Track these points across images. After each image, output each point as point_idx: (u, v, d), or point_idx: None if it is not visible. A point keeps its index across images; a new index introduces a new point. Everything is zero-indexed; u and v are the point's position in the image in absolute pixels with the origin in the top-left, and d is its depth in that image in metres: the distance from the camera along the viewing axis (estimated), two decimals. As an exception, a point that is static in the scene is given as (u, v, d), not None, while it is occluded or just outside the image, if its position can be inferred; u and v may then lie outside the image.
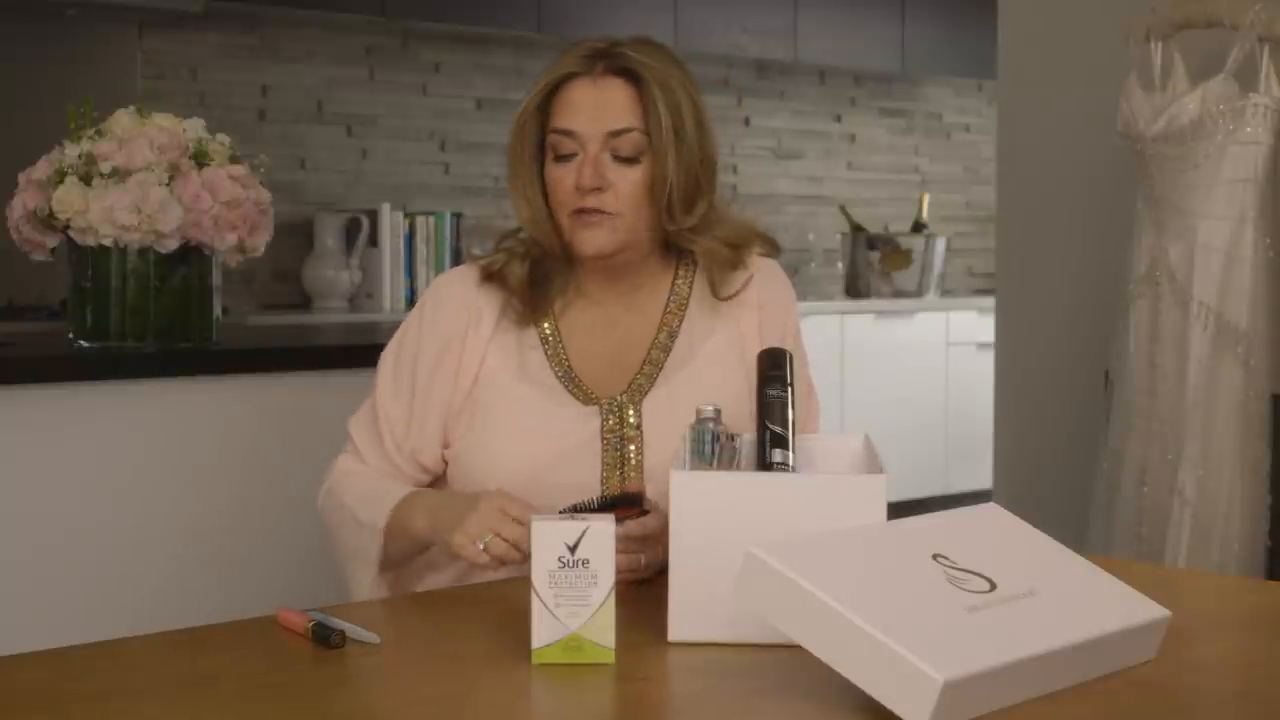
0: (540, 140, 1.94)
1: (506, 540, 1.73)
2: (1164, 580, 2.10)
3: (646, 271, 2.01)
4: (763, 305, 2.04)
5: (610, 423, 1.93)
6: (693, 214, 1.94)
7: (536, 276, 1.97)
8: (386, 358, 2.02)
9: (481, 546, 1.74)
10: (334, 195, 5.59)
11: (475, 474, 1.93)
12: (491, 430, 1.94)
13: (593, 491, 1.91)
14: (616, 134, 1.90)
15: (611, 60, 1.92)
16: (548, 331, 1.97)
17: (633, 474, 1.93)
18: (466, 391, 1.96)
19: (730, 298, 2.01)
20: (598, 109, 1.90)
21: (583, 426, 1.93)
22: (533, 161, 1.94)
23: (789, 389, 1.75)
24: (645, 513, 1.78)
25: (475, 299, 1.98)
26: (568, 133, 1.91)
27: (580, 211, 1.91)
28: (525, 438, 1.92)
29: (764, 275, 2.05)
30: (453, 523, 1.78)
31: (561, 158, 1.92)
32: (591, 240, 1.91)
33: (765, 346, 2.01)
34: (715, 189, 1.98)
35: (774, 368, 1.76)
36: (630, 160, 1.91)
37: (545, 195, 1.94)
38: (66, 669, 1.48)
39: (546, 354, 1.96)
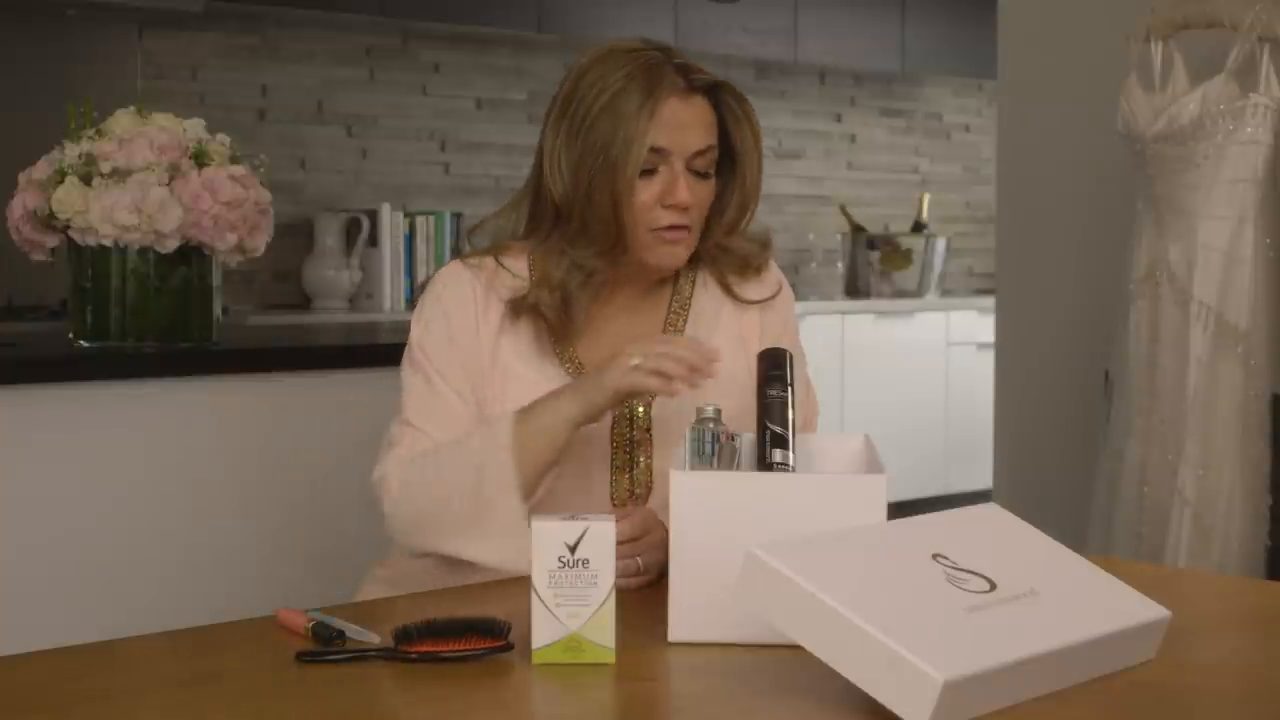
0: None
1: (667, 358, 1.75)
2: (1164, 580, 2.10)
3: (650, 279, 2.01)
4: (764, 309, 2.05)
5: (620, 426, 1.94)
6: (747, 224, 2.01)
7: (565, 300, 1.93)
8: (419, 344, 1.95)
9: (635, 363, 1.76)
10: (334, 195, 5.59)
11: None
12: None
13: (601, 493, 1.91)
14: (699, 153, 1.91)
15: (691, 76, 1.91)
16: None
17: (641, 476, 1.93)
18: (488, 385, 1.94)
19: (759, 301, 2.04)
20: (687, 127, 1.90)
21: (593, 430, 1.92)
22: (634, 183, 1.89)
23: (789, 389, 1.75)
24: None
25: (479, 294, 1.96)
26: (660, 149, 1.89)
27: (669, 228, 1.91)
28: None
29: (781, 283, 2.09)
30: (602, 366, 1.82)
31: (645, 173, 1.90)
32: (674, 256, 1.94)
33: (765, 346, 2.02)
34: None
35: (774, 368, 1.76)
36: (704, 176, 1.93)
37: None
38: (66, 669, 1.48)
39: (557, 354, 1.95)
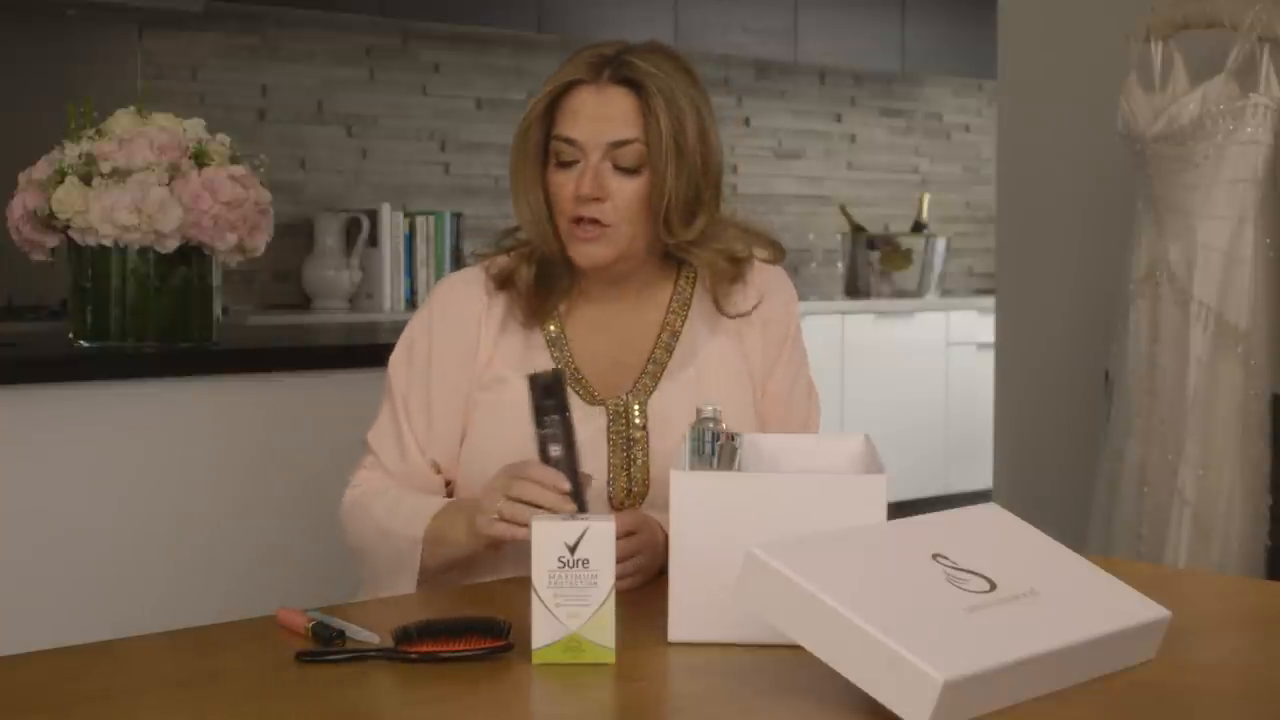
0: (544, 144, 1.93)
1: (518, 504, 1.69)
2: (1164, 580, 2.10)
3: (647, 276, 2.01)
4: (766, 320, 2.04)
5: (616, 423, 1.94)
6: (691, 228, 1.93)
7: (542, 277, 1.96)
8: (398, 365, 2.00)
9: (495, 516, 1.71)
10: (334, 195, 5.59)
11: (482, 475, 1.93)
12: (498, 431, 1.93)
13: (599, 492, 1.91)
14: (617, 145, 1.89)
15: (617, 69, 1.90)
16: (553, 332, 1.97)
17: (638, 474, 1.93)
18: (479, 390, 1.96)
19: (736, 316, 2.01)
20: (600, 119, 1.90)
21: (588, 426, 1.92)
22: (536, 165, 1.93)
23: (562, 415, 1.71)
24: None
25: (481, 300, 1.98)
26: (570, 140, 1.90)
27: (578, 221, 1.90)
28: (531, 438, 1.91)
29: (768, 288, 2.04)
30: (475, 508, 1.77)
31: (563, 164, 1.91)
32: (587, 253, 1.91)
33: (768, 356, 2.02)
34: (719, 201, 1.96)
35: (547, 396, 1.70)
36: (630, 171, 1.90)
37: (547, 199, 1.93)
38: (66, 669, 1.48)
39: (552, 355, 1.96)
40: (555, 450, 1.68)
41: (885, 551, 1.43)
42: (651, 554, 1.78)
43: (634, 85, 1.90)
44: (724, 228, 1.99)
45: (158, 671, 1.49)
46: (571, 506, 1.66)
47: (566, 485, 1.67)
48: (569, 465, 1.68)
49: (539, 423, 1.69)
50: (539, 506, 1.67)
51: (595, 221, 1.90)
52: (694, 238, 1.94)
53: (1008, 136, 4.12)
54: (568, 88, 1.91)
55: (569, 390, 1.74)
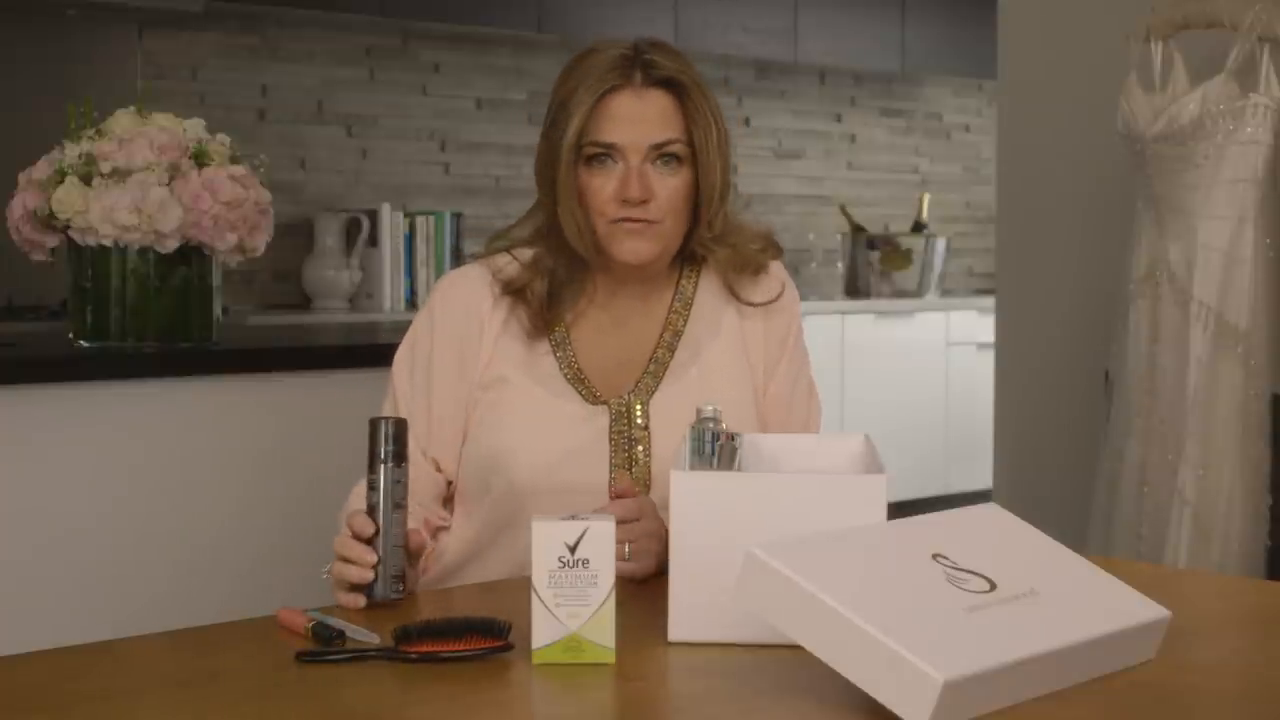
0: (576, 149, 1.92)
1: (344, 563, 1.68)
2: (1164, 580, 2.10)
3: (656, 277, 2.02)
4: (768, 310, 2.05)
5: (618, 423, 1.94)
6: (719, 218, 1.98)
7: (553, 291, 1.97)
8: (400, 363, 2.01)
9: (324, 575, 1.73)
10: (334, 195, 5.59)
11: (484, 474, 1.93)
12: (500, 430, 1.94)
13: (601, 490, 1.91)
14: (659, 145, 1.91)
15: (650, 70, 1.92)
16: (558, 334, 1.98)
17: (640, 474, 1.93)
18: (480, 389, 1.96)
19: (763, 304, 2.03)
20: (640, 121, 1.91)
21: (590, 426, 1.93)
22: (574, 173, 1.92)
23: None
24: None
25: (486, 299, 1.98)
26: (608, 145, 1.91)
27: (622, 220, 1.91)
28: (533, 437, 1.92)
29: (786, 281, 2.07)
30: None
31: (597, 165, 1.91)
32: (635, 249, 1.92)
33: (770, 351, 2.03)
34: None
35: (384, 444, 1.69)
36: (672, 169, 1.92)
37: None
38: (66, 669, 1.48)
39: (556, 355, 1.96)
40: (373, 498, 1.68)
41: (885, 551, 1.43)
42: (655, 542, 1.78)
43: (670, 84, 1.93)
44: (735, 222, 2.02)
45: (158, 671, 1.49)
46: (372, 558, 1.65)
47: (368, 532, 1.66)
48: (383, 515, 1.67)
49: (369, 468, 1.69)
50: (349, 560, 1.66)
51: (642, 219, 1.91)
52: (718, 230, 1.98)
53: (1008, 136, 4.12)
54: (603, 93, 1.91)
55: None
